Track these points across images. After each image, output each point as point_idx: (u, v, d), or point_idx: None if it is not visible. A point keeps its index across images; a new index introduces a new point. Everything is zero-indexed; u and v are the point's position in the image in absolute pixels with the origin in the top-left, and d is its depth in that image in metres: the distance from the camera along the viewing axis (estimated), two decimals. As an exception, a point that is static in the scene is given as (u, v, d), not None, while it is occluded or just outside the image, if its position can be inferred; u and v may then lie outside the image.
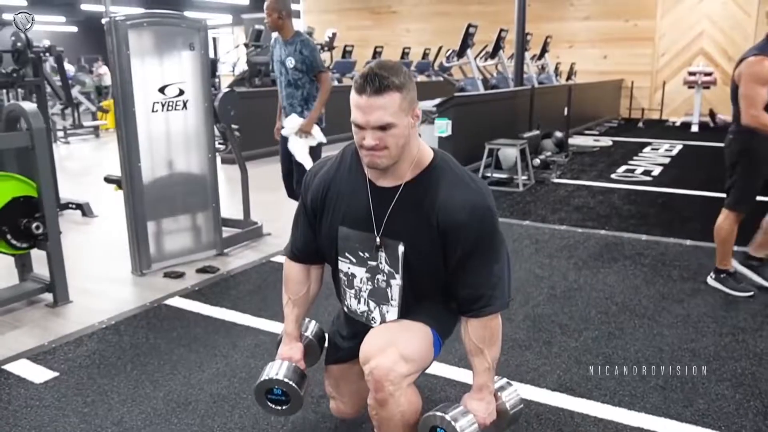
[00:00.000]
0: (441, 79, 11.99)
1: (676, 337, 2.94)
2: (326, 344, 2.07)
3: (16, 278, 3.61)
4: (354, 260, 1.76)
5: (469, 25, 8.20)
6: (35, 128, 3.21)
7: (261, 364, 2.68)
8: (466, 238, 1.64)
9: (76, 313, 3.34)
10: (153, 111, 3.79)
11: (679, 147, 9.41)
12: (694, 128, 11.47)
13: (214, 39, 30.08)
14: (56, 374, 2.66)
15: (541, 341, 2.91)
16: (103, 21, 3.65)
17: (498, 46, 9.15)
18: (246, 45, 12.18)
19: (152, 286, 3.71)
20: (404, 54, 13.74)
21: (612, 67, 14.04)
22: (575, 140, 9.37)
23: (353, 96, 1.56)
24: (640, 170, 7.42)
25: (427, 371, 2.01)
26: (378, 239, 1.69)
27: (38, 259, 3.57)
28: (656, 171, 7.37)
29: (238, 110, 4.45)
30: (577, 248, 4.32)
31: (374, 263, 1.73)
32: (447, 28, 15.71)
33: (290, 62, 4.00)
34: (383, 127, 1.55)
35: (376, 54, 13.07)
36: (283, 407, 1.86)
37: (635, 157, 8.44)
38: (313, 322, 2.09)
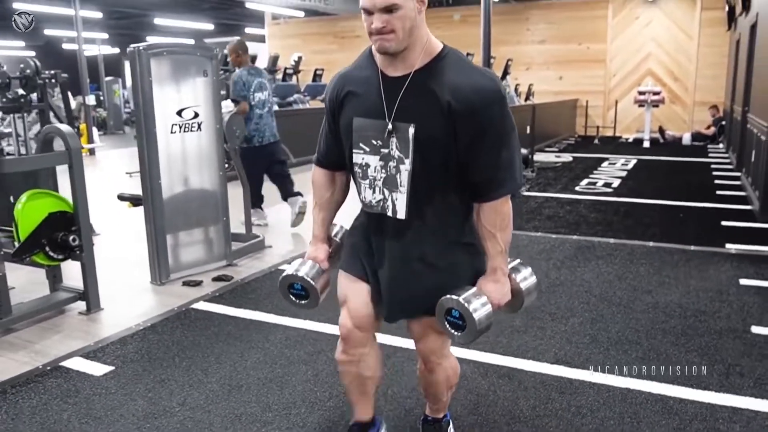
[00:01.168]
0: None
1: (649, 320, 3.42)
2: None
3: (44, 289, 3.88)
4: (368, 149, 1.80)
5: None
6: (73, 148, 3.52)
7: (295, 353, 3.07)
8: (477, 121, 1.67)
9: (111, 318, 3.63)
10: (171, 132, 4.13)
11: (633, 161, 10.11)
12: (646, 144, 12.26)
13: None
14: (112, 368, 2.96)
15: (536, 327, 3.35)
16: (128, 50, 3.99)
17: (465, 69, 9.68)
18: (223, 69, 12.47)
19: (174, 294, 4.02)
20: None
21: (567, 87, 14.84)
22: (538, 157, 9.96)
23: None
24: (601, 183, 8.03)
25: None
26: (390, 125, 1.73)
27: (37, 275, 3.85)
28: (615, 183, 7.99)
29: (242, 132, 4.82)
30: (553, 251, 4.81)
31: (386, 150, 1.77)
32: (409, 51, 16.34)
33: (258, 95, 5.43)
34: (389, 9, 1.60)
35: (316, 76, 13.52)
36: (303, 301, 2.02)
37: (595, 172, 9.07)
38: (342, 226, 2.16)
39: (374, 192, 1.83)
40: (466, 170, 1.74)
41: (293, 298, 2.04)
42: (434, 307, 1.81)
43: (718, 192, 7.24)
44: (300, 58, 15.07)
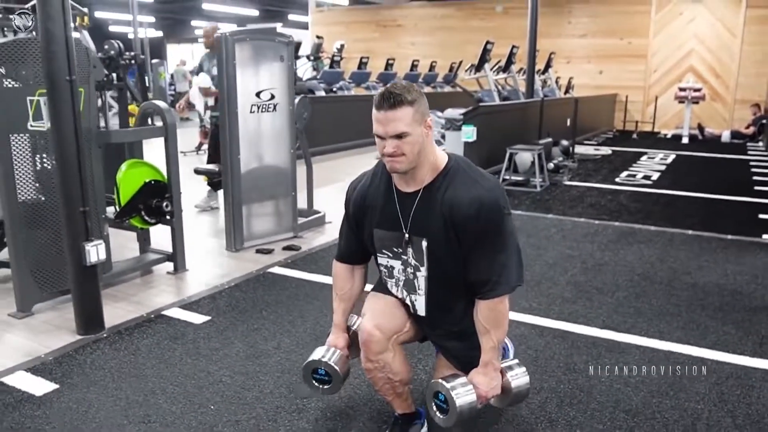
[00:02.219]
0: (458, 89, 12.68)
1: (688, 297, 3.71)
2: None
3: (131, 252, 4.31)
4: (390, 255, 2.03)
5: (487, 42, 9.02)
6: (170, 123, 3.93)
7: (368, 311, 3.42)
8: (473, 230, 1.86)
9: (197, 278, 4.05)
10: (251, 112, 4.52)
11: (672, 156, 10.28)
12: (685, 140, 12.36)
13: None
14: (209, 317, 3.37)
15: (584, 298, 3.68)
16: (216, 35, 4.38)
17: (510, 61, 9.97)
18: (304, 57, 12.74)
19: (250, 259, 4.42)
20: (413, 66, 14.54)
21: (607, 81, 14.95)
22: (578, 149, 10.18)
23: (374, 112, 1.84)
24: (640, 175, 8.25)
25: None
26: (407, 236, 1.95)
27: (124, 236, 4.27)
28: (655, 176, 8.21)
29: (311, 114, 5.20)
30: (597, 235, 5.11)
31: (406, 257, 1.99)
32: (449, 41, 16.61)
33: (215, 71, 5.41)
34: (399, 136, 1.81)
35: (388, 65, 13.86)
36: (325, 386, 2.14)
37: (634, 165, 9.28)
38: (356, 316, 2.25)
39: (398, 290, 2.08)
40: (467, 271, 1.92)
41: (316, 384, 2.15)
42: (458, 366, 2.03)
43: (756, 187, 7.43)
44: (342, 45, 15.43)
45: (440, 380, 1.91)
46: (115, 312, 3.44)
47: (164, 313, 3.44)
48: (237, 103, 4.41)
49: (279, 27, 17.14)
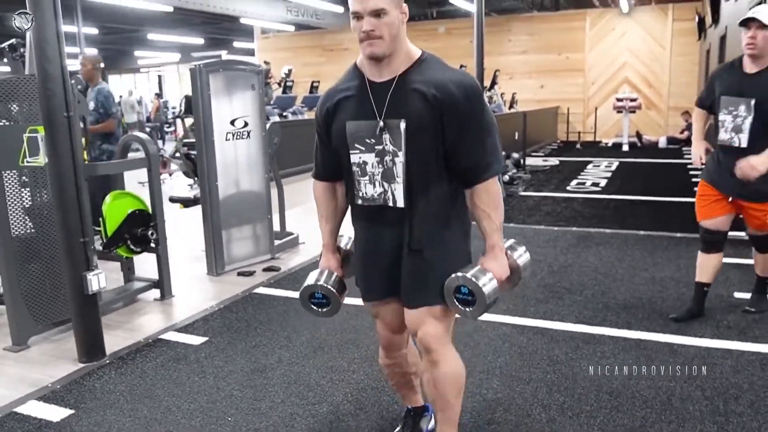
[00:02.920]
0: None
1: (648, 291, 4.05)
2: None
3: (117, 282, 4.38)
4: (363, 148, 1.94)
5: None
6: (152, 154, 4.06)
7: (359, 323, 3.63)
8: (462, 112, 1.85)
9: (185, 303, 4.16)
10: (226, 140, 4.68)
11: (616, 163, 10.85)
12: (625, 147, 13.02)
13: (159, 77, 30.35)
14: (206, 338, 3.50)
15: (556, 297, 3.96)
16: (189, 68, 4.53)
17: (458, 80, 10.34)
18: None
19: (233, 282, 4.55)
20: (362, 88, 14.85)
21: (549, 95, 15.61)
22: (528, 161, 10.63)
23: None
24: (589, 183, 8.72)
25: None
26: (381, 122, 1.88)
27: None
28: (603, 183, 8.68)
29: (281, 139, 5.38)
30: (558, 240, 5.44)
31: (380, 146, 1.92)
32: (396, 63, 16.99)
33: (91, 105, 5.42)
34: (378, 14, 1.77)
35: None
36: (324, 309, 2.15)
37: (582, 173, 9.76)
38: (350, 237, 2.26)
39: (375, 186, 1.98)
40: (456, 158, 1.91)
41: (314, 308, 2.16)
42: (433, 297, 1.97)
43: (695, 188, 7.94)
44: (290, 70, 15.63)
45: (458, 274, 1.90)
46: (113, 339, 3.52)
47: (161, 337, 3.55)
48: (213, 131, 4.57)
49: (224, 55, 17.34)
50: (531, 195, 7.86)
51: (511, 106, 14.49)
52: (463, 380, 2.11)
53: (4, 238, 3.38)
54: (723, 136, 3.32)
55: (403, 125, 1.87)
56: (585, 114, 15.48)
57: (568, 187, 8.39)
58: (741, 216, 3.43)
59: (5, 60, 4.30)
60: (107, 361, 3.24)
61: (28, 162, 3.38)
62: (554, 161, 11.07)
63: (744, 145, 3.23)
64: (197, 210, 5.46)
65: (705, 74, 11.71)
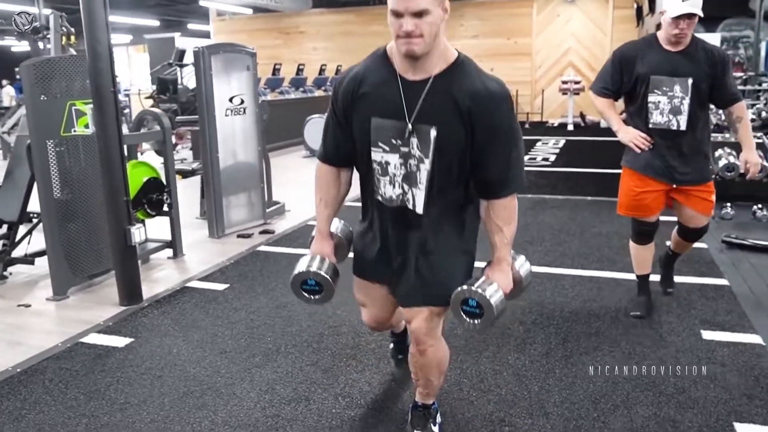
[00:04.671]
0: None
1: (597, 242, 4.80)
2: (351, 251, 2.22)
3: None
4: (387, 148, 1.88)
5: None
6: (166, 127, 4.54)
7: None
8: (493, 123, 1.80)
9: (197, 259, 4.68)
10: (225, 115, 5.18)
11: (563, 141, 11.72)
12: (570, 127, 13.94)
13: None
14: (228, 285, 4.05)
15: (520, 248, 4.53)
16: (194, 49, 5.01)
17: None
18: (170, 64, 13.24)
19: (235, 243, 5.09)
20: (321, 70, 15.32)
21: (499, 77, 16.39)
22: (483, 138, 11.39)
23: None
24: (540, 158, 9.52)
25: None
26: (410, 126, 1.81)
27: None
28: (552, 158, 9.50)
29: (269, 116, 5.90)
30: (518, 205, 6.15)
31: (406, 149, 1.86)
32: (352, 46, 17.43)
33: None
34: (419, 14, 1.68)
35: (299, 71, 14.55)
36: (317, 296, 2.08)
37: (532, 150, 10.56)
38: (341, 222, 2.24)
39: (395, 187, 1.93)
40: (481, 169, 1.87)
41: (306, 295, 2.09)
42: (435, 298, 1.97)
43: (635, 162, 8.84)
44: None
45: (465, 287, 1.89)
46: (143, 288, 4.03)
47: (187, 285, 4.08)
48: (215, 107, 5.07)
49: (177, 36, 17.43)
50: (489, 169, 8.59)
51: (463, 88, 15.23)
52: (446, 365, 2.18)
53: (48, 200, 3.84)
54: (658, 118, 3.10)
55: (434, 133, 1.82)
56: (533, 96, 16.35)
57: (522, 162, 9.15)
58: (674, 207, 3.28)
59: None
60: (146, 304, 3.76)
61: (75, 132, 3.83)
62: (506, 139, 11.84)
63: (683, 127, 3.06)
64: (192, 181, 5.97)
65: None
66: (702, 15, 2.89)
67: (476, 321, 1.89)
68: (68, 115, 3.84)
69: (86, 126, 3.88)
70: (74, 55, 4.29)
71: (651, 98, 3.10)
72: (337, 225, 2.21)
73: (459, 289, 1.90)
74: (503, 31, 16.27)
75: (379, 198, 1.98)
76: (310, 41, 18.43)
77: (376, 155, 1.91)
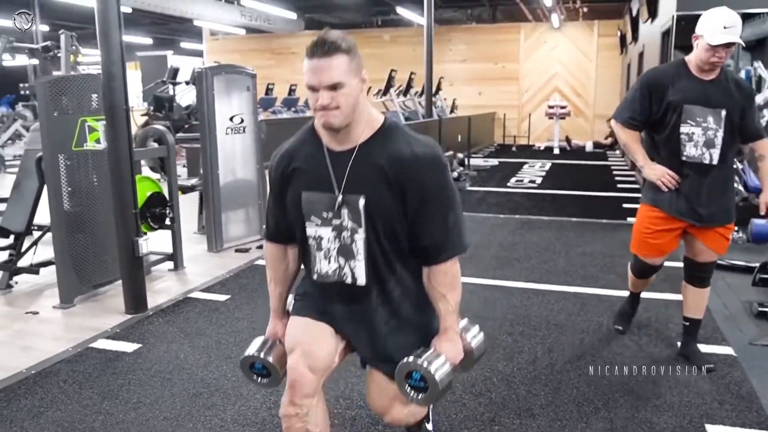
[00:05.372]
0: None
1: (581, 260, 5.03)
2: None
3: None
4: (319, 221, 1.83)
5: (392, 71, 10.26)
6: (170, 143, 4.73)
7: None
8: (423, 189, 1.75)
9: (197, 272, 4.85)
10: (226, 134, 5.38)
11: (549, 164, 12.03)
12: (556, 151, 14.29)
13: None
14: (229, 296, 4.22)
15: (508, 266, 4.89)
16: (196, 70, 5.22)
17: (409, 86, 11.29)
18: (164, 81, 13.38)
19: (233, 257, 5.26)
20: (313, 90, 15.60)
21: (486, 101, 16.77)
22: (472, 161, 11.66)
23: (306, 62, 1.68)
24: (527, 180, 9.79)
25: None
26: (340, 197, 1.78)
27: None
28: (538, 180, 9.78)
29: (266, 134, 6.11)
30: (506, 225, 6.39)
31: (338, 221, 1.81)
32: (343, 67, 17.81)
33: None
34: (334, 87, 1.66)
35: (291, 91, 14.82)
36: (264, 380, 2.02)
37: (519, 172, 10.85)
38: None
39: (329, 262, 1.86)
40: (416, 236, 1.81)
41: (255, 377, 2.03)
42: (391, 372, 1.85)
43: (618, 185, 9.15)
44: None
45: (410, 359, 1.80)
46: (147, 298, 4.18)
47: (190, 296, 4.25)
48: (216, 126, 5.27)
49: (170, 55, 17.61)
50: (477, 189, 8.85)
51: (452, 111, 15.55)
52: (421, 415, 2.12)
53: (58, 211, 4.00)
54: (692, 151, 2.87)
55: (362, 202, 1.77)
56: (519, 119, 16.73)
57: (509, 184, 9.43)
58: (685, 240, 3.09)
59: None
60: (150, 313, 3.92)
61: (87, 147, 4.01)
62: (494, 162, 12.15)
63: (715, 161, 2.87)
64: (190, 196, 6.14)
65: (627, 85, 13.06)
66: (744, 44, 2.83)
67: (420, 395, 1.81)
68: (80, 131, 4.02)
69: (97, 141, 4.06)
70: (87, 74, 4.48)
71: (684, 129, 2.88)
72: (293, 304, 2.09)
73: (404, 360, 1.81)
74: (491, 56, 16.67)
75: (315, 276, 1.90)
76: (301, 62, 18.53)
77: (310, 230, 1.86)
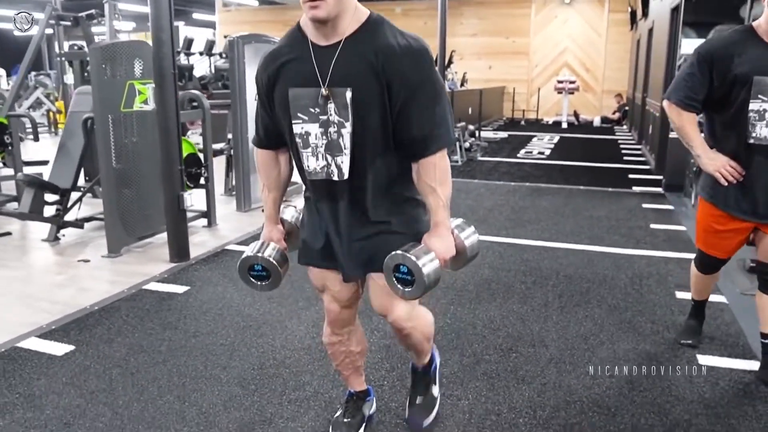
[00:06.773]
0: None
1: (588, 223, 5.36)
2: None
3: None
4: (306, 118, 1.81)
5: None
6: (206, 107, 5.06)
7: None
8: (409, 79, 1.73)
9: (229, 229, 5.20)
10: (254, 100, 5.68)
11: (557, 138, 12.30)
12: (564, 125, 14.54)
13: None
14: (262, 248, 4.57)
15: (519, 226, 5.23)
16: (228, 40, 5.52)
17: (422, 58, 11.50)
18: (177, 52, 13.55)
19: (261, 216, 5.55)
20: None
21: (496, 75, 16.97)
22: (483, 133, 11.95)
23: None
24: (536, 152, 10.09)
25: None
26: (324, 90, 1.75)
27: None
28: (547, 152, 10.07)
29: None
30: (516, 191, 6.72)
31: (325, 117, 1.79)
32: (354, 40, 18.01)
33: None
34: None
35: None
36: (264, 282, 2.02)
37: (528, 144, 11.14)
38: (292, 207, 2.19)
39: (317, 159, 1.85)
40: (403, 128, 1.79)
41: (253, 280, 2.04)
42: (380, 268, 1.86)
43: (624, 158, 9.44)
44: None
45: (398, 252, 1.80)
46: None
47: (227, 248, 4.61)
48: (246, 92, 5.58)
49: (182, 26, 17.85)
50: (488, 160, 9.16)
51: (462, 84, 15.77)
52: (432, 330, 2.17)
53: (108, 168, 4.34)
54: (763, 132, 2.44)
55: (349, 94, 1.75)
56: (529, 94, 16.94)
57: (518, 155, 9.73)
58: (755, 238, 2.66)
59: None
60: (192, 262, 4.29)
61: (134, 108, 4.34)
62: (504, 134, 12.43)
63: None
64: (216, 160, 6.46)
65: (635, 60, 13.25)
66: None
67: (407, 289, 1.80)
68: (128, 93, 4.34)
69: (144, 102, 4.39)
70: (134, 40, 4.78)
71: (754, 105, 2.43)
72: (292, 213, 2.16)
73: (392, 253, 1.81)
74: (502, 31, 16.82)
75: (304, 173, 1.91)
76: (313, 34, 18.87)
77: (297, 127, 1.83)
